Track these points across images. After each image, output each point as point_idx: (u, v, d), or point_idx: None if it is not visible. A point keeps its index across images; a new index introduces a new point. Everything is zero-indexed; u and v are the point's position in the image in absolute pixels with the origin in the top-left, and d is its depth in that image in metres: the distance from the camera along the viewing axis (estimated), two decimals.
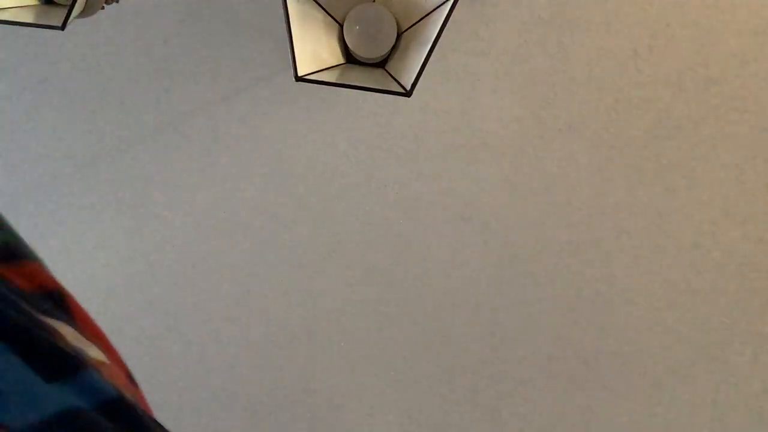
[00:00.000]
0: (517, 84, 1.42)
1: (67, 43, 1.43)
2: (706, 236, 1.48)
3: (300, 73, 1.06)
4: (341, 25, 1.19)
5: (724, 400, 1.58)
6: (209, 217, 1.52)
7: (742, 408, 1.58)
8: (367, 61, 1.20)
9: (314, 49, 1.12)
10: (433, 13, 1.10)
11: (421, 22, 1.13)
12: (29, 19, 1.09)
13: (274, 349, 1.61)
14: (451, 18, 1.01)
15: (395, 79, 1.11)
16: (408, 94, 1.05)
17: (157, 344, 1.60)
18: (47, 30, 1.09)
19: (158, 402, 1.64)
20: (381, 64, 1.21)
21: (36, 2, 1.18)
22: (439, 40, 1.01)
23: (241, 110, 1.46)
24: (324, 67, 1.13)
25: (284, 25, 1.06)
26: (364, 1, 1.18)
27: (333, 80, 1.09)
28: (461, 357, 1.60)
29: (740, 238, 1.48)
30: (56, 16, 1.11)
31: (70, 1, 1.08)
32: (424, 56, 1.02)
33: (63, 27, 1.04)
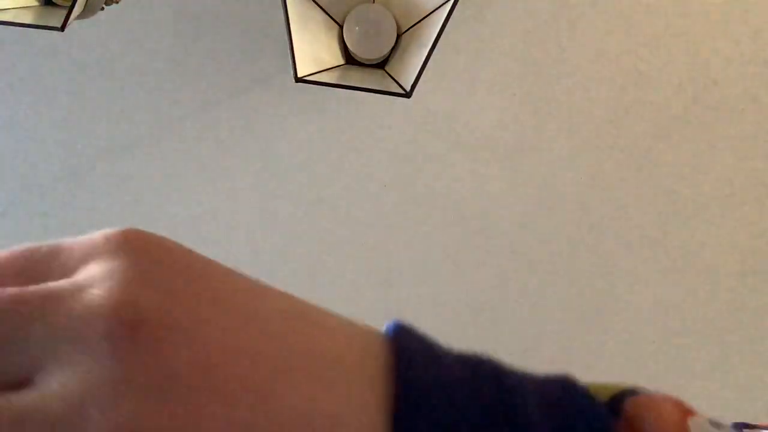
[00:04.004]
0: (517, 84, 1.42)
1: (67, 44, 1.43)
2: (705, 235, 1.48)
3: (300, 74, 1.06)
4: (341, 26, 1.19)
5: (724, 398, 1.58)
6: (208, 217, 1.52)
7: (743, 406, 1.58)
8: (366, 62, 1.20)
9: (314, 49, 1.12)
10: (433, 13, 1.10)
11: (421, 22, 1.13)
12: (29, 20, 1.09)
13: None
14: (450, 19, 1.01)
15: (395, 80, 1.11)
16: (408, 94, 1.05)
17: None
18: (47, 31, 1.09)
19: None
20: (381, 64, 1.21)
21: (36, 3, 1.18)
22: (439, 41, 1.01)
23: (240, 111, 1.46)
24: (324, 68, 1.13)
25: (284, 26, 1.06)
26: (364, 1, 1.18)
27: (333, 81, 1.09)
28: None
29: (740, 237, 1.48)
30: (56, 17, 1.11)
31: (70, 2, 1.08)
32: (424, 57, 1.02)
33: (63, 28, 1.04)
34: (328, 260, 1.54)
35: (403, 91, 1.05)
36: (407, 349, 0.23)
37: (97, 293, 0.19)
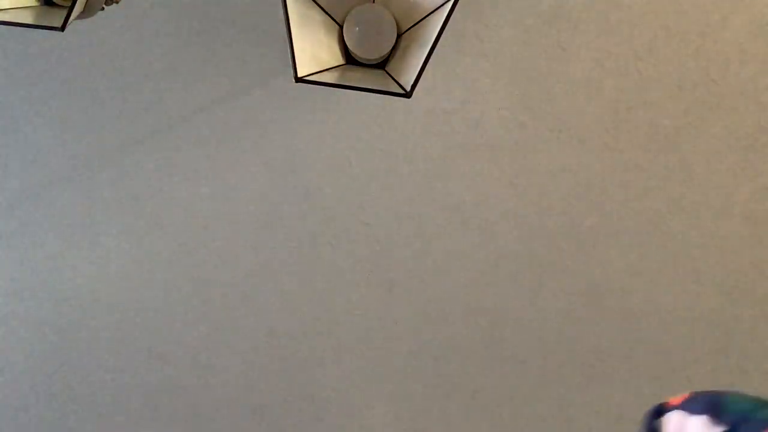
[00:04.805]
0: (516, 85, 1.42)
1: (67, 44, 1.43)
2: (705, 235, 1.48)
3: (300, 74, 1.06)
4: (341, 26, 1.19)
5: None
6: (210, 218, 1.52)
7: None
8: (367, 62, 1.20)
9: (314, 50, 1.12)
10: (433, 14, 1.10)
11: (421, 23, 1.13)
12: (29, 20, 1.09)
13: (276, 350, 1.61)
14: (450, 19, 1.01)
15: (395, 80, 1.11)
16: (408, 94, 1.05)
17: (158, 345, 1.60)
18: (47, 31, 1.09)
19: (160, 405, 1.64)
20: (381, 64, 1.21)
21: (36, 3, 1.18)
22: (439, 41, 1.01)
23: (241, 111, 1.46)
24: (324, 68, 1.13)
25: (284, 26, 1.06)
26: (364, 2, 1.18)
27: (333, 81, 1.09)
28: (462, 357, 1.60)
29: (740, 237, 1.48)
30: (56, 17, 1.11)
31: (70, 2, 1.08)
32: (424, 57, 1.02)
33: (63, 28, 1.04)
34: (327, 259, 1.54)
35: (403, 91, 1.05)
36: None
37: None
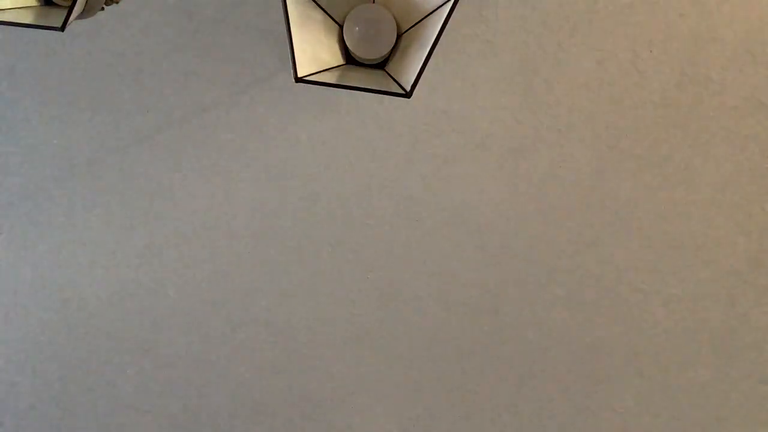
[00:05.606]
0: (517, 84, 1.42)
1: (67, 44, 1.43)
2: (705, 235, 1.48)
3: (300, 74, 1.06)
4: (341, 26, 1.19)
5: (725, 399, 1.58)
6: (209, 218, 1.52)
7: (742, 405, 1.58)
8: (367, 62, 1.20)
9: (314, 50, 1.12)
10: (433, 14, 1.10)
11: (421, 23, 1.13)
12: (29, 20, 1.09)
13: (274, 351, 1.61)
14: (450, 19, 1.01)
15: (395, 80, 1.11)
16: (408, 95, 1.05)
17: (158, 345, 1.60)
18: (47, 30, 1.09)
19: (160, 405, 1.64)
20: (381, 64, 1.21)
21: (36, 3, 1.18)
22: (439, 41, 1.01)
23: (241, 111, 1.46)
24: (324, 68, 1.13)
25: (284, 26, 1.06)
26: (364, 1, 1.18)
27: (333, 81, 1.09)
28: (461, 358, 1.60)
29: (739, 236, 1.48)
30: (56, 17, 1.11)
31: (70, 2, 1.08)
32: (424, 57, 1.02)
33: (63, 28, 1.04)
34: (327, 260, 1.54)
35: (403, 91, 1.05)
36: None
37: None
